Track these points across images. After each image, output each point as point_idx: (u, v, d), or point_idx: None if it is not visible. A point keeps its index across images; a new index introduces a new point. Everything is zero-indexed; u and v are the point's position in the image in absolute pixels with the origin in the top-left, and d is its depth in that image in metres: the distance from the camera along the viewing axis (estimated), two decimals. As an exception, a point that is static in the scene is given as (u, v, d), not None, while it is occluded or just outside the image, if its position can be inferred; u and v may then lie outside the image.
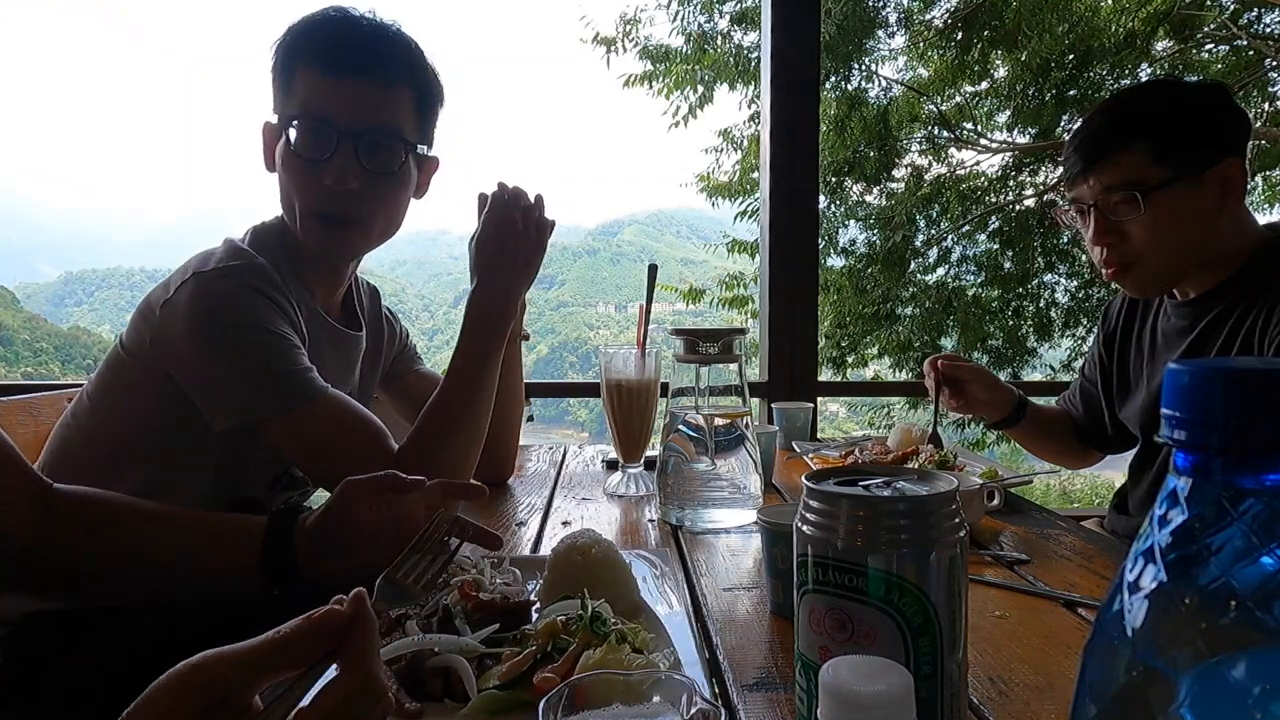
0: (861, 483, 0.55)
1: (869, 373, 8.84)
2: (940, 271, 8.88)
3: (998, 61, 8.40)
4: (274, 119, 1.23)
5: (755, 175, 8.39)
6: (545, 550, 1.11)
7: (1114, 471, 2.32)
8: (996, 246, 8.65)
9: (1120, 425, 1.66)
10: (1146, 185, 1.35)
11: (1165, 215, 1.36)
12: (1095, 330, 1.75)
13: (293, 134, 1.17)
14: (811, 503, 0.54)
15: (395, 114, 1.20)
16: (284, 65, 1.19)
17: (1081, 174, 1.42)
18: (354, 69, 1.16)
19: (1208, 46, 8.30)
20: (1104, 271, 1.46)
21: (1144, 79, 8.33)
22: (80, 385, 1.29)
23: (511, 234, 1.24)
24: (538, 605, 0.81)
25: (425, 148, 1.28)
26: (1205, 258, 1.41)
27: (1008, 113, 8.65)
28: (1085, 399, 1.76)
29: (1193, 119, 1.36)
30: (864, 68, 8.40)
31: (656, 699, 0.48)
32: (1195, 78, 7.88)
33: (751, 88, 8.44)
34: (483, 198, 1.29)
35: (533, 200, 1.27)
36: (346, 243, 1.25)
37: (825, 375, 7.69)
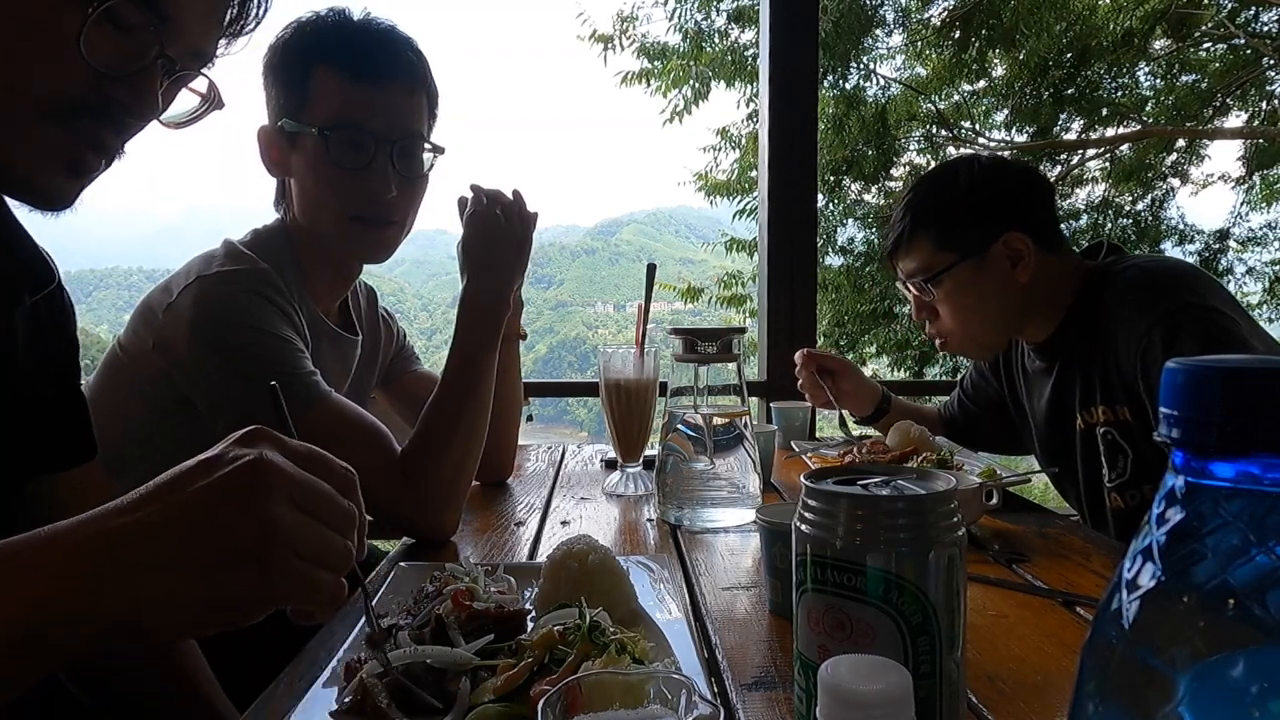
0: (860, 482, 0.55)
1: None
2: (938, 270, 8.87)
3: (995, 60, 8.40)
4: (270, 122, 1.23)
5: (753, 174, 8.39)
6: (544, 551, 1.11)
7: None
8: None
9: (1008, 428, 1.76)
10: (934, 271, 1.48)
11: (958, 294, 1.49)
12: None
13: (329, 143, 1.18)
14: (810, 502, 0.54)
15: (418, 118, 1.25)
16: (293, 68, 1.19)
17: (889, 263, 1.58)
18: (381, 76, 1.20)
19: (1205, 45, 8.31)
20: (936, 343, 1.60)
21: (1141, 78, 8.35)
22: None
23: (495, 229, 1.24)
24: (533, 614, 0.80)
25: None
26: (1026, 313, 1.50)
27: (1005, 111, 8.66)
28: (964, 411, 1.88)
29: (962, 207, 1.47)
30: (862, 66, 8.40)
31: (656, 701, 0.48)
32: (1179, 82, 7.88)
33: (750, 86, 8.43)
34: (462, 201, 1.29)
35: (511, 196, 1.28)
36: (387, 243, 1.29)
37: (824, 374, 7.66)
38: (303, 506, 0.55)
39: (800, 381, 1.88)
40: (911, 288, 1.56)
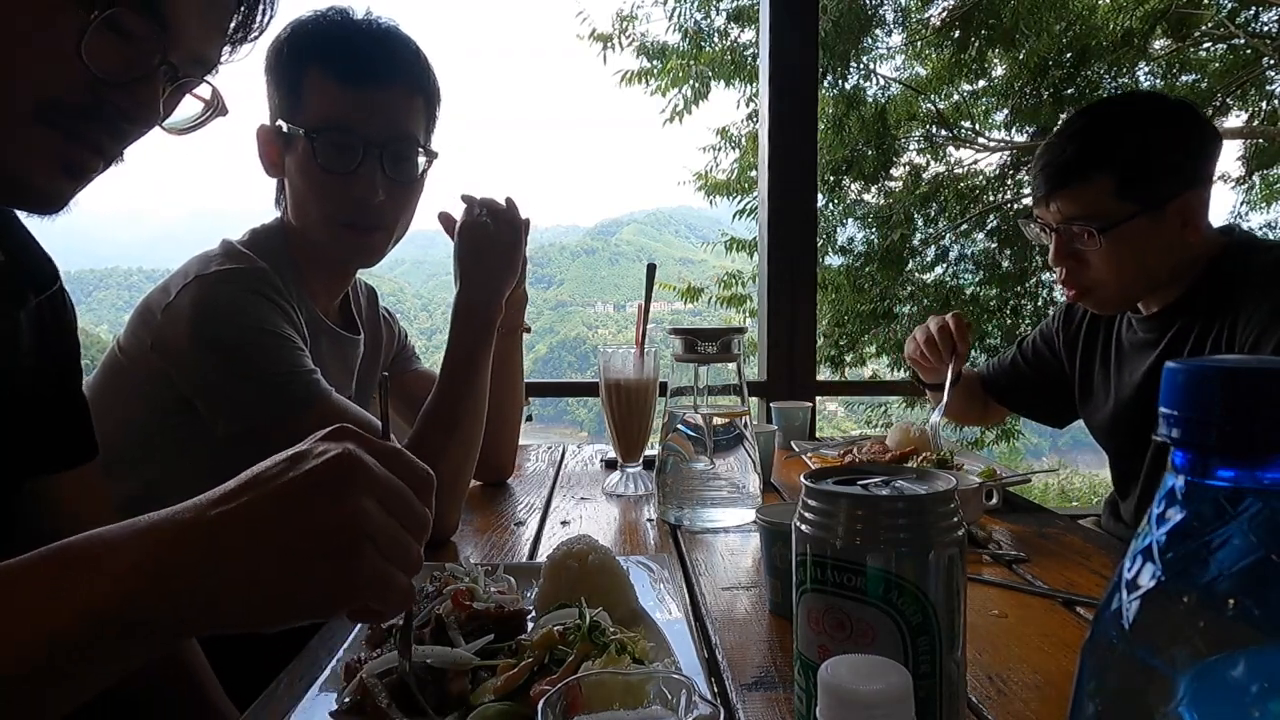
0: (860, 482, 0.55)
1: (867, 372, 8.84)
2: (938, 270, 8.88)
3: (995, 60, 8.40)
4: (270, 121, 1.22)
5: (753, 174, 8.39)
6: (544, 551, 1.11)
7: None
8: (994, 245, 8.64)
9: (1061, 406, 1.73)
10: (1107, 221, 1.35)
11: (1124, 248, 1.36)
12: (1053, 323, 1.74)
13: (316, 146, 1.16)
14: (810, 502, 0.54)
15: (413, 122, 1.22)
16: (288, 68, 1.19)
17: (1045, 198, 1.42)
18: (375, 79, 1.17)
19: (1205, 45, 8.31)
20: (1066, 292, 1.48)
21: (1141, 78, 8.34)
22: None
23: (483, 236, 1.23)
24: (533, 614, 0.80)
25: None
26: (1166, 278, 1.42)
27: (1005, 111, 8.65)
28: (1015, 369, 1.81)
29: (1158, 152, 1.34)
30: (862, 66, 8.40)
31: (656, 701, 0.48)
32: (1179, 82, 7.89)
33: (750, 86, 8.43)
34: (443, 216, 1.29)
35: (503, 203, 1.27)
36: (375, 247, 1.27)
37: (823, 374, 7.66)
38: (386, 506, 0.55)
39: (925, 337, 1.68)
40: (1060, 232, 1.40)
